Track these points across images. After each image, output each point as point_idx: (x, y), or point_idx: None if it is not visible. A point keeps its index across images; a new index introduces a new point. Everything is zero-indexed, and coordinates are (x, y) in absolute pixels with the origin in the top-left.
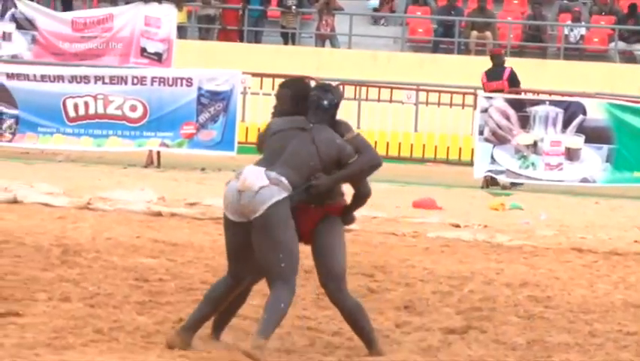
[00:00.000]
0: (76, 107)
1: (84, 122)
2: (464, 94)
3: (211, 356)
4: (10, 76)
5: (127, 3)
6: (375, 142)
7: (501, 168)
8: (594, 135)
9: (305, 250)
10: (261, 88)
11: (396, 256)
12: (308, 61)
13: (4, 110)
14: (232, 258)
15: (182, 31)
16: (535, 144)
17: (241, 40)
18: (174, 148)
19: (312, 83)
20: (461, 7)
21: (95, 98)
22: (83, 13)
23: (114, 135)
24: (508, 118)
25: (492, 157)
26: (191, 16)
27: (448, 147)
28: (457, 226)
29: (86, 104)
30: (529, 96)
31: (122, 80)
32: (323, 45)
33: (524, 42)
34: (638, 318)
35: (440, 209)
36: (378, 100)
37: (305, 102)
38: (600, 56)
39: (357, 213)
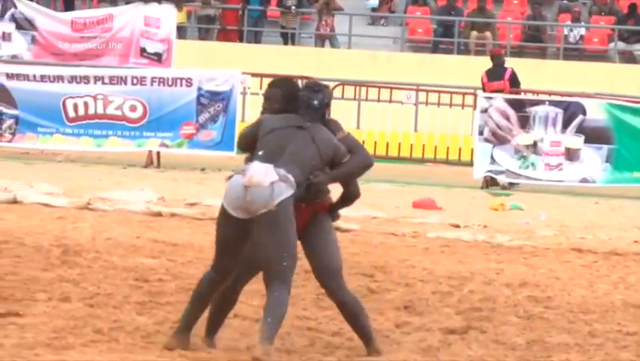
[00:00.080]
0: (75, 107)
1: (84, 122)
2: (464, 94)
3: (211, 356)
4: (9, 76)
5: (127, 3)
6: (375, 142)
7: (501, 169)
8: (594, 135)
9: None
10: (260, 88)
11: (396, 256)
12: (308, 61)
13: (4, 110)
14: (221, 252)
15: (181, 32)
16: (534, 144)
17: (241, 40)
18: (174, 148)
19: (300, 83)
20: (461, 8)
21: (95, 98)
22: (82, 13)
23: (114, 135)
24: (507, 118)
25: (492, 157)
26: (191, 16)
27: (447, 147)
28: (457, 226)
29: (86, 104)
30: (529, 96)
31: (122, 80)
32: (323, 45)
33: (524, 42)
34: (637, 318)
35: (440, 209)
36: (378, 100)
37: (295, 102)
38: (600, 56)
39: (358, 213)
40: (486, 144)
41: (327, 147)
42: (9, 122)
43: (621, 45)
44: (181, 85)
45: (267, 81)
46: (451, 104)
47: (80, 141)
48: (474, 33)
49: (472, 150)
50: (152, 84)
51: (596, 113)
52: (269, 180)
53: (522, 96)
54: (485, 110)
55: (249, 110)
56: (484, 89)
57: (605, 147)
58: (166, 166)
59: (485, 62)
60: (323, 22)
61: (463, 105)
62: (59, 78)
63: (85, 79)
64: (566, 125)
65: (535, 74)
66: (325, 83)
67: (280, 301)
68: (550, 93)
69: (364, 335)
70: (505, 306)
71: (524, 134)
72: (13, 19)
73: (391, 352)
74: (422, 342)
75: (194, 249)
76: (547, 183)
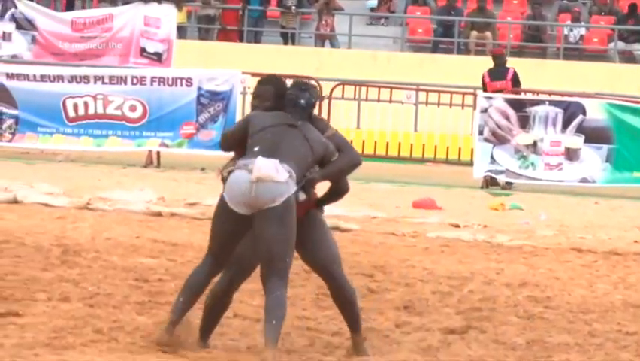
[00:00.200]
0: (75, 107)
1: (84, 122)
2: (464, 94)
3: (211, 356)
4: (9, 76)
5: (127, 3)
6: (375, 142)
7: (501, 168)
8: (594, 135)
9: None
10: None
11: (396, 256)
12: (308, 61)
13: (4, 110)
14: (218, 246)
15: (181, 31)
16: (534, 144)
17: (241, 40)
18: (174, 148)
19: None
20: (461, 7)
21: (95, 98)
22: (82, 13)
23: (114, 135)
24: (507, 118)
25: (492, 157)
26: (191, 16)
27: (447, 147)
28: (457, 226)
29: (86, 104)
30: (529, 96)
31: (122, 80)
32: (323, 45)
33: (524, 42)
34: (637, 318)
35: (440, 209)
36: (378, 100)
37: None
38: (600, 56)
39: (358, 213)
40: (486, 143)
41: (319, 145)
42: (9, 122)
43: (621, 45)
44: (181, 85)
45: None
46: (451, 104)
47: (80, 141)
48: (474, 33)
49: (472, 149)
50: (152, 84)
51: (596, 113)
52: (281, 175)
53: (522, 96)
54: (485, 110)
55: (249, 110)
56: (485, 89)
57: (605, 147)
58: (166, 166)
59: (485, 62)
60: (323, 22)
61: (463, 105)
62: (59, 78)
63: (85, 79)
64: (565, 125)
65: (535, 73)
66: (325, 83)
67: (281, 302)
68: (550, 93)
69: (355, 322)
70: (505, 306)
71: (524, 134)
72: (13, 19)
73: (391, 352)
74: (422, 342)
75: (193, 249)
76: (547, 183)
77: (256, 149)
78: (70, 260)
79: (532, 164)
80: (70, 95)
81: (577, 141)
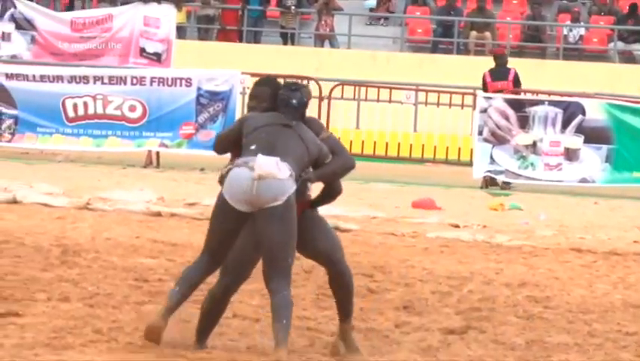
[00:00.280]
0: (75, 107)
1: (83, 122)
2: (463, 94)
3: (211, 356)
4: (9, 76)
5: (126, 3)
6: (375, 142)
7: (500, 169)
8: (593, 135)
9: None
10: None
11: (395, 256)
12: (307, 61)
13: (4, 110)
14: (216, 244)
15: (181, 32)
16: (534, 144)
17: (240, 40)
18: (173, 148)
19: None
20: (460, 8)
21: (95, 98)
22: (82, 13)
23: (113, 135)
24: (507, 118)
25: (491, 157)
26: (191, 16)
27: (447, 147)
28: (457, 226)
29: (85, 104)
30: (529, 96)
31: (122, 80)
32: (322, 45)
33: (523, 42)
34: (637, 318)
35: (439, 209)
36: (378, 100)
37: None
38: (599, 56)
39: (358, 213)
40: (485, 144)
41: (314, 146)
42: (8, 122)
43: (621, 45)
44: (180, 85)
45: None
46: (450, 104)
47: (80, 141)
48: (473, 33)
49: (471, 150)
50: (151, 84)
51: (596, 113)
52: (283, 173)
53: (521, 96)
54: (485, 110)
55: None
56: (485, 89)
57: (605, 147)
58: (165, 166)
59: (485, 62)
60: (322, 22)
61: (462, 105)
62: (59, 78)
63: (84, 79)
64: (565, 125)
65: (534, 74)
66: (324, 83)
67: (288, 301)
68: (549, 93)
69: (347, 311)
70: (504, 306)
71: (524, 134)
72: (13, 19)
73: (391, 352)
74: (422, 342)
75: (193, 249)
76: (546, 183)
77: (253, 147)
78: (70, 260)
79: (532, 164)
80: (70, 95)
81: (576, 141)
